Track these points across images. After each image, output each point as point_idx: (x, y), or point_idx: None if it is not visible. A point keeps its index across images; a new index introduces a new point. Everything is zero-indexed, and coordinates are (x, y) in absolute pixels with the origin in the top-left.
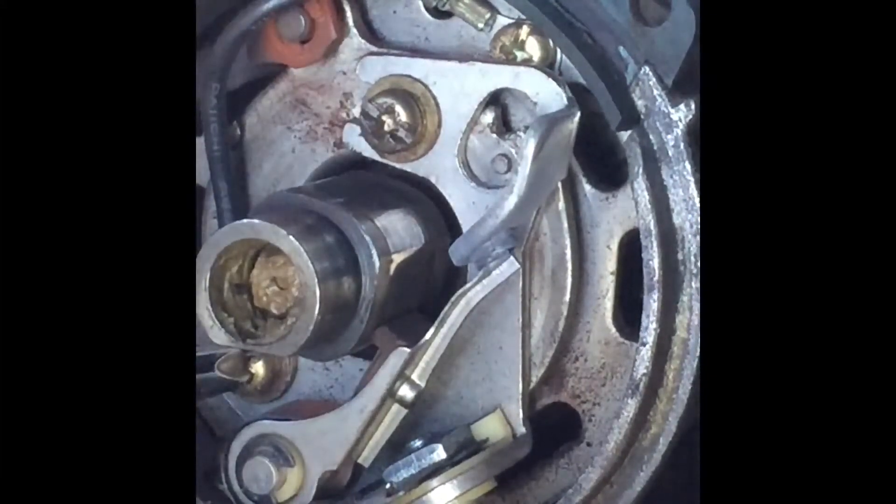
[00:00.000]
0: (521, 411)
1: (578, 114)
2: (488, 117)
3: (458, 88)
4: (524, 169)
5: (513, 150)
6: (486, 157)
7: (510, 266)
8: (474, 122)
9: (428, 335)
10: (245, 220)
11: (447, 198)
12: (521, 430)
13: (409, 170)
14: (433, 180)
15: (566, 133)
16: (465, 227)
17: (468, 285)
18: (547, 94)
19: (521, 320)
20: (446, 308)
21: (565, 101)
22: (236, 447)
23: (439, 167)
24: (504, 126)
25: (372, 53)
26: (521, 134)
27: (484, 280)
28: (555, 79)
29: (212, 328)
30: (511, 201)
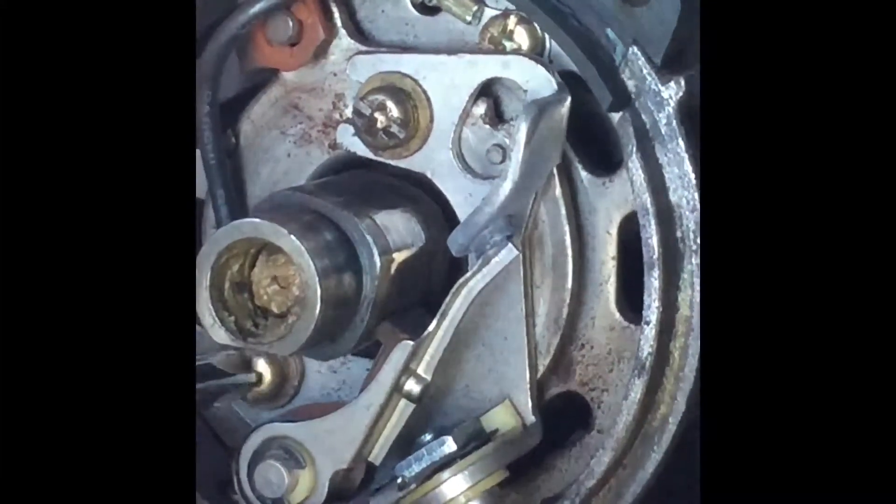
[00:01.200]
0: (529, 400)
1: (569, 98)
2: (480, 109)
3: (448, 81)
4: (517, 154)
5: (506, 140)
6: (480, 148)
7: (509, 253)
8: (466, 114)
9: (431, 327)
10: (246, 219)
11: (443, 191)
12: (531, 419)
13: (404, 166)
14: (429, 174)
15: (558, 118)
16: (462, 220)
17: (468, 274)
18: (537, 80)
19: (524, 309)
20: (448, 299)
21: (555, 87)
22: (246, 452)
23: (434, 161)
24: (497, 117)
25: (360, 52)
26: (514, 124)
27: (484, 268)
28: (544, 65)
29: (213, 327)
30: (506, 188)
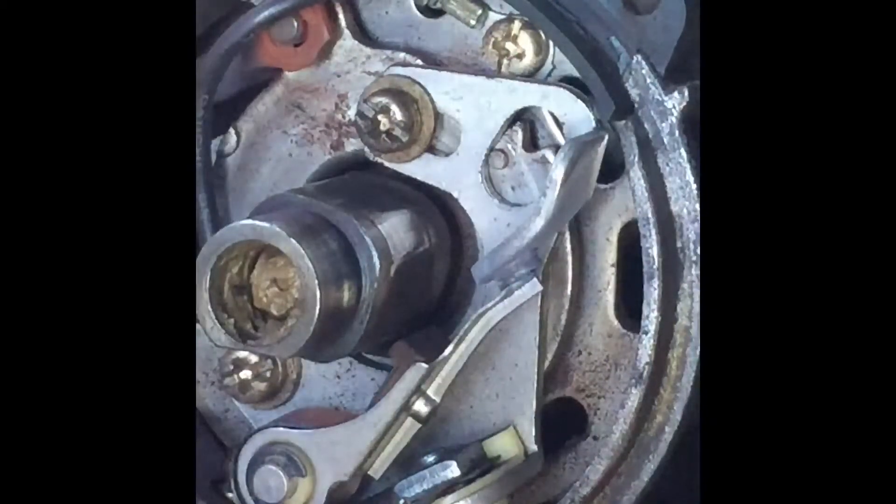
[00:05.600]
0: (533, 429)
1: (607, 137)
2: (514, 135)
3: (484, 104)
4: (552, 193)
5: (535, 168)
6: (509, 174)
7: (532, 287)
8: (499, 138)
9: (447, 352)
10: (246, 221)
11: (468, 212)
12: (533, 447)
13: (431, 183)
14: (455, 195)
15: (594, 156)
16: (486, 243)
17: (490, 304)
18: (575, 115)
19: (537, 339)
20: (466, 325)
21: (594, 124)
22: (247, 453)
23: (462, 182)
24: (532, 144)
25: (397, 63)
26: (546, 152)
27: (506, 300)
28: (584, 100)
29: (212, 329)
30: (538, 224)
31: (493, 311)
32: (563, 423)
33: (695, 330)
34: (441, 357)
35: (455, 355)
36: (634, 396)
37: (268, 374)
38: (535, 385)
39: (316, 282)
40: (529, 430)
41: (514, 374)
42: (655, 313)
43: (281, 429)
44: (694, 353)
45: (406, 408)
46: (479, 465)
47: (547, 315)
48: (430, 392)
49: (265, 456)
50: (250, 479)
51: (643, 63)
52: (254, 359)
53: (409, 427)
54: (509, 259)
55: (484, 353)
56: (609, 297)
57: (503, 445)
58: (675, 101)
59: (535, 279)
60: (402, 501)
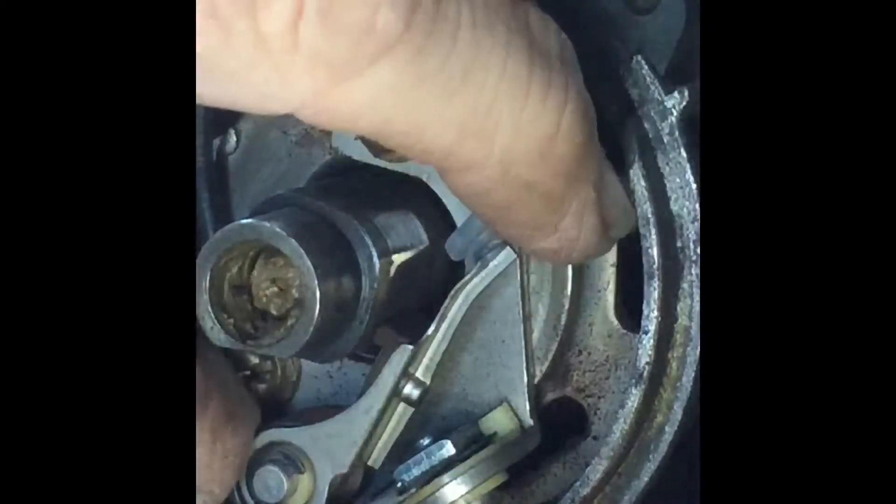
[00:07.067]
0: (527, 403)
1: None
2: None
3: None
4: None
5: None
6: None
7: (507, 256)
8: None
9: (430, 330)
10: (245, 221)
11: (441, 195)
12: (529, 422)
13: (400, 170)
14: (425, 178)
15: None
16: (458, 220)
17: (466, 278)
18: None
19: (521, 312)
20: (446, 302)
21: None
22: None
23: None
24: None
25: None
26: None
27: (482, 272)
28: None
29: (212, 329)
30: None
31: (471, 285)
32: (563, 423)
33: (695, 330)
34: (424, 336)
35: (439, 334)
36: (634, 396)
37: (267, 375)
38: (525, 359)
39: (316, 282)
40: (523, 405)
41: (501, 350)
42: (655, 313)
43: (275, 429)
44: (694, 353)
45: (396, 392)
46: (475, 443)
47: (528, 285)
48: (418, 374)
49: (263, 457)
50: (250, 481)
51: (643, 63)
52: (254, 359)
53: (402, 413)
54: (480, 230)
55: (469, 332)
56: (609, 297)
57: (499, 422)
58: (675, 101)
59: (508, 248)
60: (399, 483)
